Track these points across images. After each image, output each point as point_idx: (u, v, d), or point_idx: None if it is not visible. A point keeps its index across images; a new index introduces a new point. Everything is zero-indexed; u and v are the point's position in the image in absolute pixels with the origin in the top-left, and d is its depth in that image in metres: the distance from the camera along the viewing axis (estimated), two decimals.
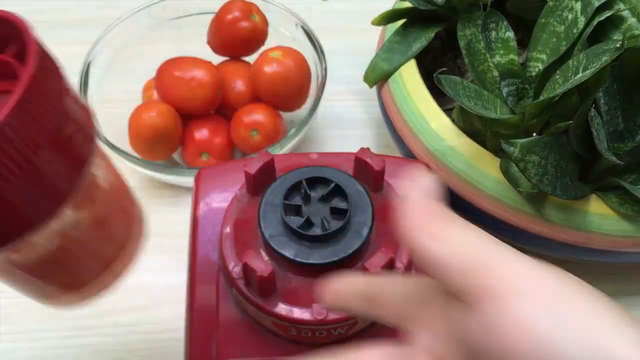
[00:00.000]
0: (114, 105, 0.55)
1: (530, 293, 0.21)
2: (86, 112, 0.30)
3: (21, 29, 0.28)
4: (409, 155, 0.47)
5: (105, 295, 0.34)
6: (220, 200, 0.41)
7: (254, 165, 0.37)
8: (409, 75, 0.47)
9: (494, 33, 0.45)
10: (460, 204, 0.45)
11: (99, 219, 0.31)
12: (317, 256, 0.34)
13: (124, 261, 0.34)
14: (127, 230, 0.34)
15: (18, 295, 0.49)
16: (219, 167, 0.43)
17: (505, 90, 0.44)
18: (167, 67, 0.52)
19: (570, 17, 0.42)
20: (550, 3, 0.43)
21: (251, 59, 0.55)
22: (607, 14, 0.40)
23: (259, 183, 0.37)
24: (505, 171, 0.41)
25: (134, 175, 0.56)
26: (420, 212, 0.24)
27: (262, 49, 0.55)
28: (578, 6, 0.41)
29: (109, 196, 0.32)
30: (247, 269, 0.34)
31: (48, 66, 0.28)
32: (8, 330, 0.47)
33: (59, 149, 0.26)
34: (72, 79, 0.55)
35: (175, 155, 0.55)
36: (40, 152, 0.25)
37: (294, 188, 0.36)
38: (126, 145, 0.51)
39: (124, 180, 0.34)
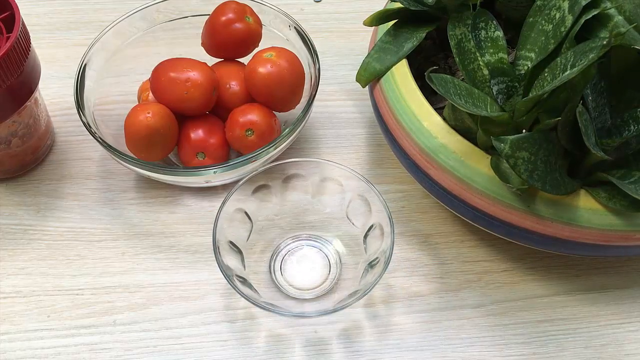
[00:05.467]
0: (109, 107, 0.56)
1: None
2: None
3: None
4: (402, 154, 0.48)
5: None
6: None
7: None
8: (401, 75, 0.48)
9: (483, 32, 0.46)
10: (452, 201, 0.45)
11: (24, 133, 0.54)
12: None
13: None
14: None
15: (17, 295, 0.49)
16: None
17: (495, 88, 0.44)
18: (162, 68, 0.52)
19: (558, 15, 0.42)
20: (538, 2, 0.44)
21: (245, 59, 0.56)
22: (594, 12, 0.41)
23: None
24: (495, 168, 0.42)
25: (131, 175, 0.56)
26: None
27: (256, 50, 0.55)
28: (565, 5, 0.42)
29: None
30: None
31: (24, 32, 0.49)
32: (7, 330, 0.48)
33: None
34: (69, 80, 0.55)
35: (171, 156, 0.56)
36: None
37: None
38: (122, 146, 0.51)
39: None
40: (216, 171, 0.49)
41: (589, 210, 0.42)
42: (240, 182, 0.48)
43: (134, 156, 0.51)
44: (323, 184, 0.50)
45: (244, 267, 0.48)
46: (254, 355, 0.47)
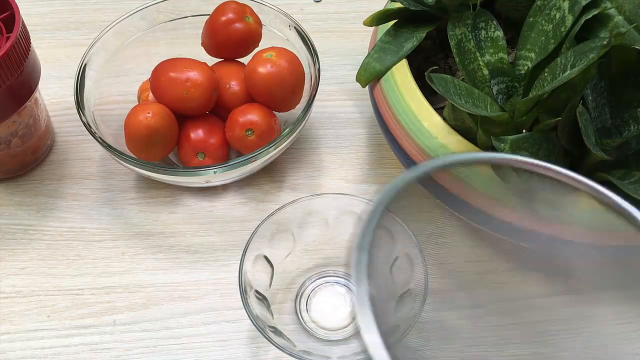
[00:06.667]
0: (109, 107, 0.56)
1: None
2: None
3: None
4: (402, 154, 0.48)
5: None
6: None
7: None
8: (401, 75, 0.48)
9: (483, 32, 0.46)
10: (452, 200, 0.45)
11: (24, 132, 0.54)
12: None
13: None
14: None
15: (17, 295, 0.49)
16: None
17: (495, 88, 0.44)
18: (162, 68, 0.52)
19: (558, 15, 0.42)
20: (539, 2, 0.44)
21: (245, 59, 0.56)
22: (594, 12, 0.41)
23: None
24: (495, 167, 0.42)
25: (131, 175, 0.56)
26: None
27: (256, 50, 0.55)
28: (566, 5, 0.42)
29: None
30: None
31: (24, 33, 0.49)
32: (7, 330, 0.48)
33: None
34: (69, 80, 0.55)
35: (171, 156, 0.56)
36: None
37: None
38: (122, 146, 0.51)
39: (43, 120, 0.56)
40: (216, 171, 0.49)
41: (589, 210, 0.42)
42: (257, 228, 0.46)
43: (134, 156, 0.51)
44: (340, 218, 0.49)
45: (272, 315, 0.46)
46: (254, 355, 0.47)
